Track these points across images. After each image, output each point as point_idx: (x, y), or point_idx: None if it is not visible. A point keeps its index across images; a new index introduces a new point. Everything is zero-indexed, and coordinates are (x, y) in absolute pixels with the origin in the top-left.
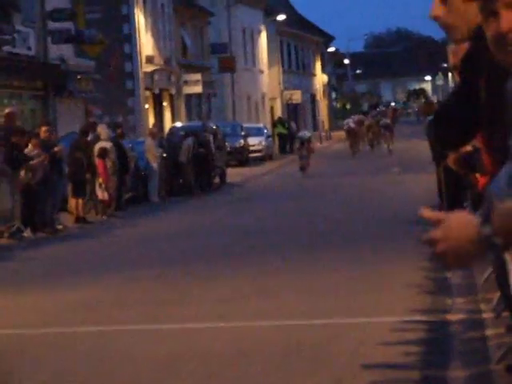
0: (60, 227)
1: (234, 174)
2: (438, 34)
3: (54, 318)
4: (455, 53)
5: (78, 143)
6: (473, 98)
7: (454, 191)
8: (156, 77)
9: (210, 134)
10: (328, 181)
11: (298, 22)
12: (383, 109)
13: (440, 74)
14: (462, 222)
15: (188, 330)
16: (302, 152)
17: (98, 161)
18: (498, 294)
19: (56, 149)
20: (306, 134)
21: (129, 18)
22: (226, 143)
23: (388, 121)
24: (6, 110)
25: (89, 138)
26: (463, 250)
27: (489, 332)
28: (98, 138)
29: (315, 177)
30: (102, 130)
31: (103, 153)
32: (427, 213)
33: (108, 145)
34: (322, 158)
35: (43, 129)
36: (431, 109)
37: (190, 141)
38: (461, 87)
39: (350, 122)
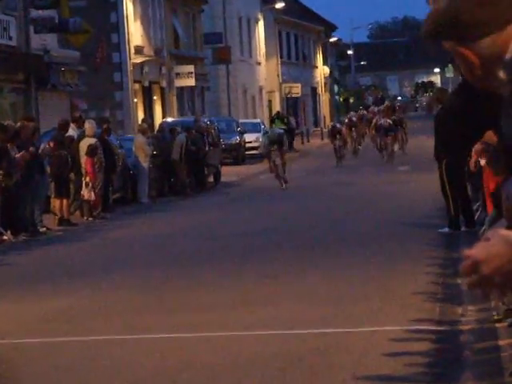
0: (43, 230)
1: (229, 172)
2: None
3: (33, 327)
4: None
5: (62, 140)
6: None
7: (459, 189)
8: (146, 69)
9: (203, 130)
10: (328, 179)
11: (297, 10)
12: (381, 107)
13: (450, 65)
14: (503, 239)
15: (181, 339)
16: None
17: (86, 159)
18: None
19: (40, 150)
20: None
21: (116, 6)
22: (221, 140)
23: (388, 120)
24: None
25: (71, 134)
26: (509, 268)
27: (502, 342)
28: (83, 135)
29: (316, 175)
30: (89, 125)
31: (92, 150)
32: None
33: (93, 141)
34: (322, 156)
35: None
36: (444, 97)
37: (182, 137)
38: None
39: (353, 116)
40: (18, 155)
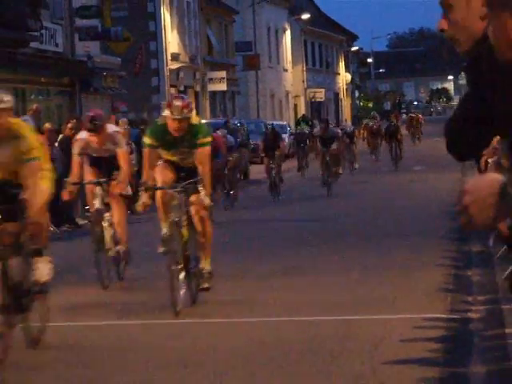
0: (83, 222)
1: (257, 170)
2: None
3: (75, 311)
4: None
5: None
6: (485, 98)
7: None
8: (181, 74)
9: (232, 130)
10: (349, 178)
11: (322, 21)
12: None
13: (462, 73)
14: (488, 179)
15: (211, 324)
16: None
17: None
18: None
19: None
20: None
21: (155, 16)
22: (250, 140)
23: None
24: (32, 106)
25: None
26: (486, 203)
27: (508, 330)
28: None
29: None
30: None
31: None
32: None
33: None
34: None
35: (69, 126)
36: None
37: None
38: (472, 91)
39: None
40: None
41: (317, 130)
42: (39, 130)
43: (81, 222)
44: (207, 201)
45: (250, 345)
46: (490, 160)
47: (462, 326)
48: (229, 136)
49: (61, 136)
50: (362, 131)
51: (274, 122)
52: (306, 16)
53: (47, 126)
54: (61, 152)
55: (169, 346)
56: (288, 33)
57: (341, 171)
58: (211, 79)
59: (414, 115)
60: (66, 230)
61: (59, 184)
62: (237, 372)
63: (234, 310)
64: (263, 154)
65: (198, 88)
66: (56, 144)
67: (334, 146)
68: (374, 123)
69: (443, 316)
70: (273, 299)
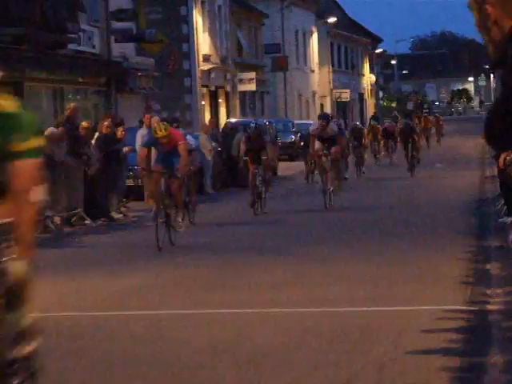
0: (119, 216)
1: (285, 167)
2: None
3: (110, 302)
4: None
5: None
6: None
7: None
8: (212, 75)
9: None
10: (372, 175)
11: (347, 24)
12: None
13: (482, 75)
14: None
15: (239, 314)
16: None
17: None
18: None
19: (125, 150)
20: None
21: (187, 19)
22: (278, 138)
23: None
24: (70, 105)
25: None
26: None
27: None
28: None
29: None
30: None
31: None
32: None
33: None
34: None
35: (105, 124)
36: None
37: (240, 135)
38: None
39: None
40: (125, 150)
41: (314, 127)
42: (77, 128)
43: (115, 215)
44: None
45: (279, 334)
46: (508, 158)
47: (481, 318)
48: (189, 137)
49: (97, 134)
50: (368, 132)
51: (302, 122)
52: (332, 19)
53: (84, 124)
54: (97, 149)
55: (201, 334)
56: (315, 35)
57: (347, 176)
58: (241, 80)
59: (430, 116)
60: (102, 223)
61: (95, 179)
62: (266, 359)
63: (262, 301)
64: (245, 158)
65: (228, 88)
66: (93, 142)
67: (334, 148)
68: (391, 123)
69: (463, 308)
70: (295, 291)
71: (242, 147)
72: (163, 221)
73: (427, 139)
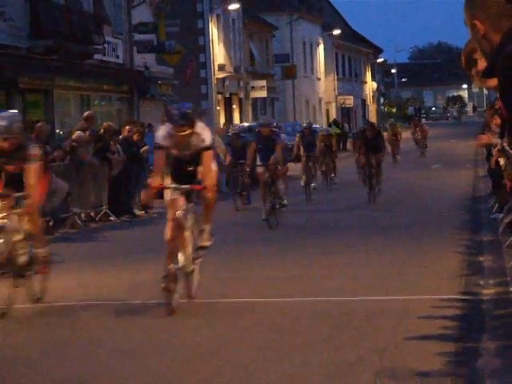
0: (140, 213)
1: (293, 168)
2: None
3: (135, 292)
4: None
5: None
6: None
7: None
8: (227, 82)
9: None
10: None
11: (351, 35)
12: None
13: (475, 83)
14: None
15: (253, 303)
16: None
17: None
18: None
19: (142, 150)
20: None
21: (204, 31)
22: (287, 141)
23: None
24: (86, 113)
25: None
26: None
27: None
28: None
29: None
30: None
31: None
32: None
33: None
34: None
35: (127, 128)
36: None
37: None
38: None
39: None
40: (143, 149)
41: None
42: (96, 133)
43: (138, 212)
44: None
45: (285, 321)
46: (501, 160)
47: (475, 306)
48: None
49: (121, 136)
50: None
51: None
52: (336, 32)
53: (105, 124)
54: (121, 149)
55: (232, 323)
56: (321, 46)
57: (336, 181)
58: (253, 87)
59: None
60: (125, 219)
61: (118, 179)
62: (276, 344)
63: (275, 292)
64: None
65: (241, 95)
66: (118, 146)
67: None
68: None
69: (458, 297)
70: (304, 282)
71: (249, 156)
72: None
73: (425, 147)
